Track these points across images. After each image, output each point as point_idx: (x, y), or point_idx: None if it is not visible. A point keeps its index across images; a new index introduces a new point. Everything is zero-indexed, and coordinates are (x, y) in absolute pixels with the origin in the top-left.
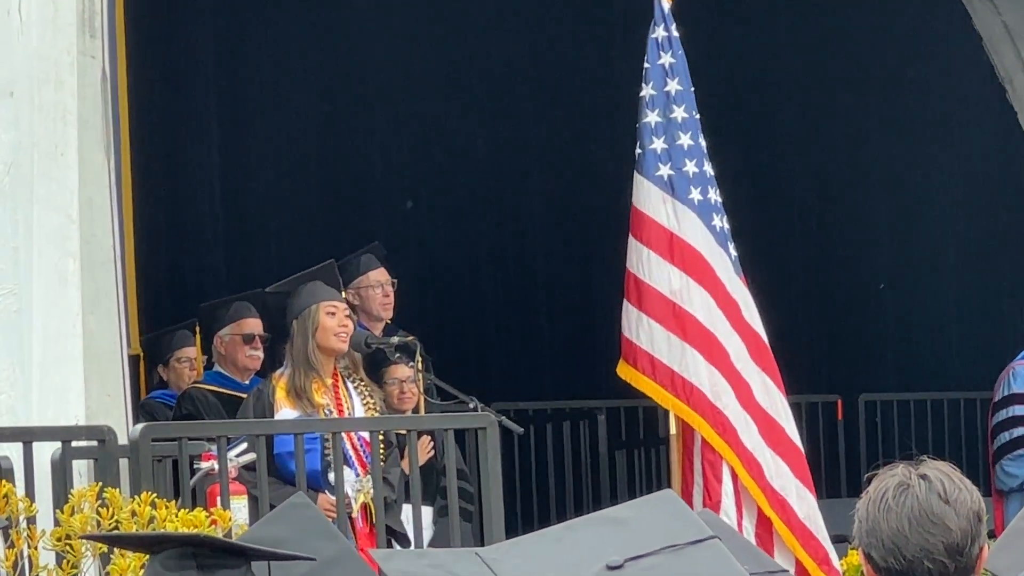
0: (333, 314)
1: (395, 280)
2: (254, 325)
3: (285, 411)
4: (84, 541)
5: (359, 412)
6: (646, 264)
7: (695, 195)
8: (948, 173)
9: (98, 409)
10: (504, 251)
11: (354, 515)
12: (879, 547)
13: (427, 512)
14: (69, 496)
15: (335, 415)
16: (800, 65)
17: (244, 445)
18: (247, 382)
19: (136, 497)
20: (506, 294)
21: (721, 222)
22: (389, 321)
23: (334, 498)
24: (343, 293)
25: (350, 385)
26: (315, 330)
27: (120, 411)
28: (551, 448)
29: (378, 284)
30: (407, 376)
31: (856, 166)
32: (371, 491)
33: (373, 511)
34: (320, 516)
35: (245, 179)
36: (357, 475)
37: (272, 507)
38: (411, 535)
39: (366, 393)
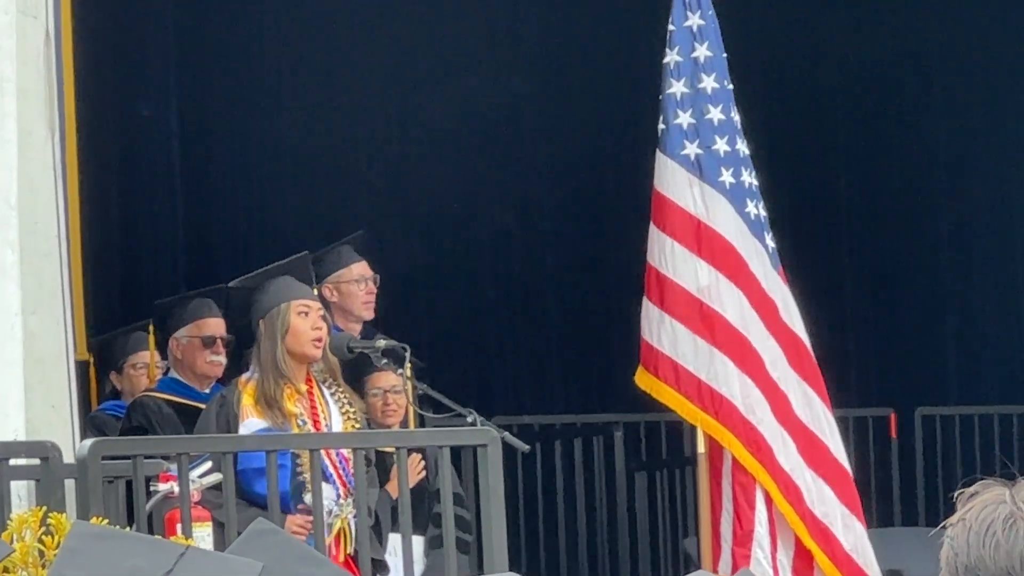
0: (305, 314)
1: (377, 276)
2: (215, 326)
3: (252, 421)
4: (25, 574)
5: (337, 423)
6: (669, 257)
7: (726, 177)
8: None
9: (40, 422)
10: (506, 242)
11: (328, 543)
12: None
13: (418, 542)
14: (7, 523)
15: (310, 425)
16: (852, 27)
17: (208, 464)
18: (207, 391)
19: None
20: (508, 292)
21: (756, 208)
22: (368, 322)
23: (302, 519)
24: (321, 287)
25: (326, 391)
26: (284, 333)
27: (66, 425)
28: (561, 468)
29: (362, 279)
30: (392, 385)
31: (916, 147)
32: (349, 516)
33: (349, 538)
34: (293, 540)
35: (208, 159)
36: (338, 495)
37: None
38: (400, 569)
39: (344, 401)
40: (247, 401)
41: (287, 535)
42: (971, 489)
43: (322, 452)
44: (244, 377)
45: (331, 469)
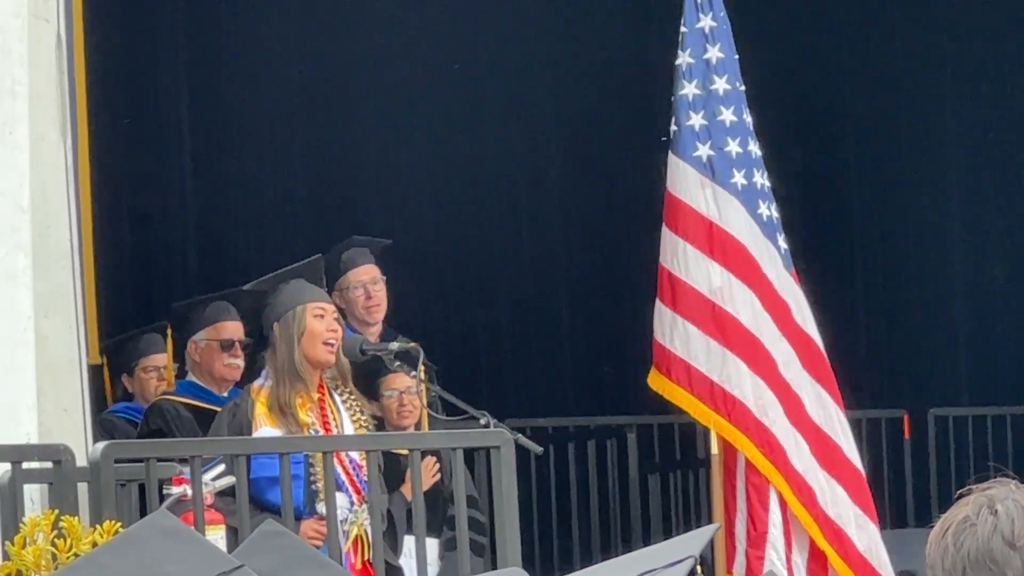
0: (321, 317)
1: (385, 277)
2: (234, 329)
3: (265, 430)
4: None
5: (348, 430)
6: (682, 258)
7: (739, 179)
8: None
9: (53, 426)
10: (518, 244)
11: (345, 549)
12: None
13: (432, 545)
14: (20, 526)
15: (322, 435)
16: (865, 31)
17: (221, 467)
18: (224, 394)
19: (97, 527)
20: (521, 294)
21: (769, 210)
22: (382, 325)
23: (318, 524)
24: (331, 294)
25: (338, 398)
26: (300, 335)
27: (78, 428)
28: (574, 471)
29: (359, 284)
30: (408, 386)
31: (928, 145)
32: (365, 522)
33: (366, 544)
34: (301, 542)
35: (221, 161)
36: (352, 503)
37: None
38: (414, 571)
39: (355, 408)
40: (260, 409)
41: (295, 537)
42: (971, 488)
43: (335, 461)
44: (257, 384)
45: (344, 477)
